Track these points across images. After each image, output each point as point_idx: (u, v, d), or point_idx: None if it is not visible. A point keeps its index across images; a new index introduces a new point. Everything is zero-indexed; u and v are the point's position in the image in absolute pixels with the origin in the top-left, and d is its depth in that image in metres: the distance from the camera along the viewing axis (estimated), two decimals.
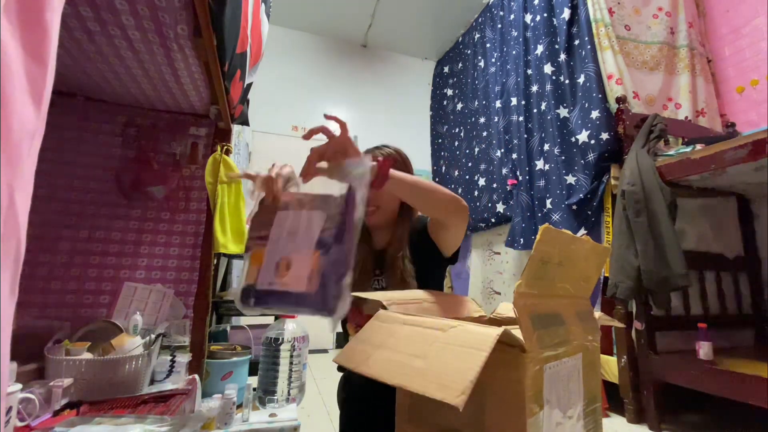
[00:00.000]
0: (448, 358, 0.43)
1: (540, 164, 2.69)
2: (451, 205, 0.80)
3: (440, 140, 4.38)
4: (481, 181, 3.43)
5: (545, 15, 2.73)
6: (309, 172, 0.62)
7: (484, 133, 3.47)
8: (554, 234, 0.50)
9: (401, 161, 0.99)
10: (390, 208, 0.96)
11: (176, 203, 1.52)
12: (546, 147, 2.64)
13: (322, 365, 2.93)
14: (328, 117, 0.68)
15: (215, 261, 1.51)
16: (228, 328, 2.00)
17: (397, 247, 0.92)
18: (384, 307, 0.60)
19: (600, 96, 2.27)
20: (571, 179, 2.39)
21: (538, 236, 0.47)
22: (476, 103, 3.67)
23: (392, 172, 0.70)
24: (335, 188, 0.59)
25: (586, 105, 2.32)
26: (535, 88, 2.79)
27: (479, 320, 0.71)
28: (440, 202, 0.80)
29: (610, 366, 1.95)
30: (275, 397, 1.15)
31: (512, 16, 3.16)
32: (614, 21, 2.47)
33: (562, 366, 0.51)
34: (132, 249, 1.46)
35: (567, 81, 2.50)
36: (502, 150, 3.13)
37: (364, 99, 4.44)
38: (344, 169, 0.59)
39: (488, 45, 3.56)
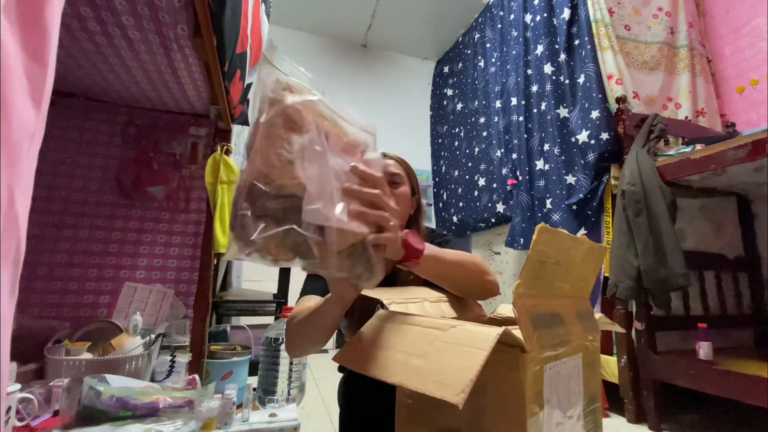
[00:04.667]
0: (448, 357, 0.43)
1: (540, 164, 2.69)
2: (481, 288, 0.73)
3: (440, 140, 4.38)
4: (481, 181, 3.43)
5: (545, 15, 2.73)
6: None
7: (484, 133, 3.47)
8: (551, 234, 0.50)
9: (405, 173, 0.90)
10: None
11: (176, 203, 1.52)
12: (546, 147, 2.64)
13: (322, 365, 2.92)
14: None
15: (215, 261, 1.51)
16: (228, 328, 2.00)
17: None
18: (384, 307, 0.60)
19: (600, 96, 2.27)
20: (571, 179, 2.39)
21: (534, 236, 0.47)
22: (476, 103, 3.67)
23: (428, 248, 0.63)
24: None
25: (586, 105, 2.32)
26: (535, 88, 2.79)
27: (479, 320, 0.71)
28: (474, 285, 0.71)
29: (610, 366, 1.95)
30: (275, 397, 1.15)
31: (512, 16, 3.15)
32: (614, 21, 2.46)
33: (562, 366, 0.51)
34: (132, 249, 1.46)
35: (567, 81, 2.50)
36: (502, 150, 3.13)
37: (364, 99, 4.44)
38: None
39: (488, 45, 3.56)
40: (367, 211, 0.51)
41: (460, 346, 0.43)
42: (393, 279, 0.85)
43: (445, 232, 0.95)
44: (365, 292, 0.64)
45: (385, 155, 0.89)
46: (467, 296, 0.75)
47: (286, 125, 0.46)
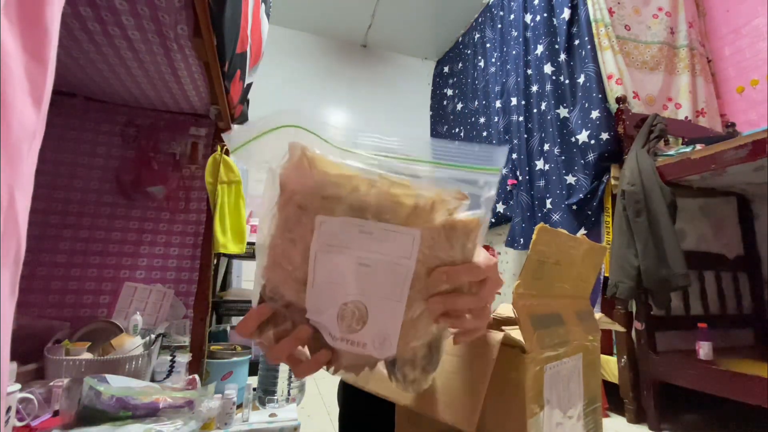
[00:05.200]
0: (452, 370, 0.43)
1: (540, 164, 2.69)
2: None
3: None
4: None
5: (545, 15, 2.73)
6: None
7: (484, 133, 3.47)
8: (551, 234, 0.50)
9: None
10: None
11: (176, 203, 1.52)
12: (546, 147, 2.64)
13: None
14: None
15: (215, 261, 1.51)
16: (228, 328, 2.00)
17: None
18: None
19: (600, 96, 2.27)
20: (571, 179, 2.39)
21: (534, 236, 0.47)
22: (476, 103, 3.67)
23: None
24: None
25: (586, 105, 2.32)
26: (535, 88, 2.79)
27: None
28: None
29: (610, 366, 1.95)
30: (275, 397, 1.15)
31: (512, 16, 3.16)
32: (614, 21, 2.46)
33: (562, 366, 0.51)
34: (132, 249, 1.46)
35: (567, 81, 2.50)
36: None
37: (364, 99, 4.44)
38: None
39: (488, 45, 3.56)
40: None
41: (462, 357, 0.43)
42: None
43: None
44: None
45: None
46: None
47: (293, 217, 0.34)
